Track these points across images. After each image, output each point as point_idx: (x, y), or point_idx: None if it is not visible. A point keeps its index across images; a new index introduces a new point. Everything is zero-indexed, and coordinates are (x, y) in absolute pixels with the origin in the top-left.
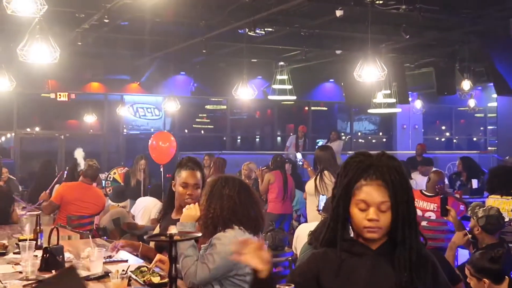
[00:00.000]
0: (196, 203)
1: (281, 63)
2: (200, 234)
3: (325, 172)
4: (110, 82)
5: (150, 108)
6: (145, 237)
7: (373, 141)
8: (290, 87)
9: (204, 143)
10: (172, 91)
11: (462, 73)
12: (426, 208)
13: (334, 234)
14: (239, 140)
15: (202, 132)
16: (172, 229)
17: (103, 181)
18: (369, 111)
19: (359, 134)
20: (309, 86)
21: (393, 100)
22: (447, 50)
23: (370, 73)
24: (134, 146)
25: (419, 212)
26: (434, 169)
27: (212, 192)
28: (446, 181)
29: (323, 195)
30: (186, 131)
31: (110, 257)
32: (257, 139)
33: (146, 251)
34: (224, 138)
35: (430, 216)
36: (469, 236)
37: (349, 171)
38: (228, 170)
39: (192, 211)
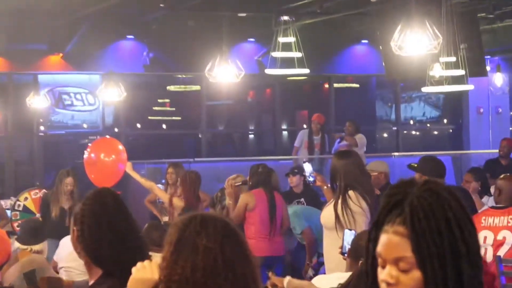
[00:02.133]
0: (154, 260)
1: (285, 17)
2: None
3: (350, 192)
4: (16, 55)
5: (80, 94)
6: None
7: (433, 133)
8: (299, 54)
9: (167, 146)
10: (113, 66)
11: None
12: (498, 225)
13: None
14: (221, 140)
15: (164, 127)
16: None
17: (8, 212)
18: (425, 89)
19: (411, 123)
20: (329, 53)
21: (461, 72)
22: None
23: (416, 42)
24: (56, 155)
25: (489, 236)
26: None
27: (181, 241)
28: None
29: (349, 229)
30: (138, 126)
31: None
32: (251, 136)
33: None
34: (200, 136)
35: (505, 238)
36: None
37: (379, 210)
38: (206, 187)
39: (144, 272)
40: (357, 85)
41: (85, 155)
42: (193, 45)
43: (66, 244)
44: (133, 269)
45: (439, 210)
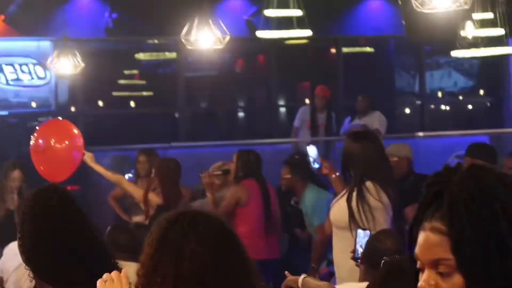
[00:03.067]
0: (123, 271)
1: None
2: None
3: (367, 183)
4: None
5: (27, 65)
6: None
7: (466, 108)
8: (299, 12)
9: (137, 128)
10: (67, 30)
11: None
12: None
13: None
14: (204, 120)
15: (132, 105)
16: None
17: None
18: (455, 53)
19: (438, 96)
20: (336, 9)
21: (500, 32)
22: None
23: None
24: (1, 142)
25: None
26: None
27: (163, 243)
28: None
29: (363, 229)
30: (100, 104)
31: None
32: (240, 115)
33: None
34: (177, 116)
35: None
36: None
37: (418, 204)
38: (186, 179)
39: (112, 287)
40: (371, 50)
41: (32, 142)
42: (167, 3)
43: (12, 252)
44: (99, 283)
45: (484, 201)
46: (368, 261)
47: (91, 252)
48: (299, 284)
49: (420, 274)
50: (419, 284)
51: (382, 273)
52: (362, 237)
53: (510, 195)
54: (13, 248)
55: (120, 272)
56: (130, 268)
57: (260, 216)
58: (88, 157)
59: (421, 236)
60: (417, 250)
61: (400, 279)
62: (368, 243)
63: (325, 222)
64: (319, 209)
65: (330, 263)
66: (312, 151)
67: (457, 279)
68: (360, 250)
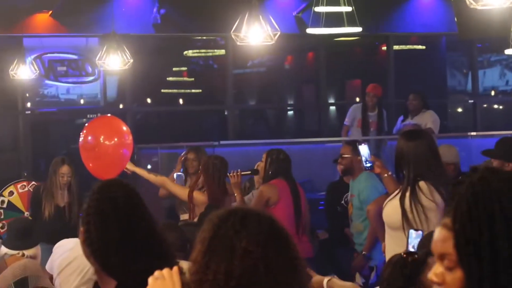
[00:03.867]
0: (174, 268)
1: None
2: None
3: (421, 183)
4: None
5: (76, 62)
6: None
7: None
8: (349, 8)
9: (185, 125)
10: (115, 26)
11: None
12: None
13: None
14: (252, 117)
15: (181, 102)
16: None
17: None
18: (508, 51)
19: (491, 94)
20: (387, 6)
21: None
22: None
23: None
24: (46, 138)
25: None
26: None
27: (215, 240)
28: None
29: (415, 229)
30: (148, 101)
31: None
32: (289, 113)
33: None
34: (226, 113)
35: None
36: None
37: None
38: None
39: (163, 284)
40: (423, 47)
41: (81, 139)
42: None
43: (61, 250)
44: (150, 279)
45: (485, 202)
46: None
47: (154, 247)
48: (324, 285)
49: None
50: (429, 275)
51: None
52: (414, 237)
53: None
54: (62, 246)
55: (171, 269)
56: (183, 265)
57: (290, 215)
58: (128, 165)
59: (436, 231)
60: (432, 243)
61: None
62: (420, 244)
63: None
64: (374, 191)
65: (368, 258)
66: (364, 150)
67: (459, 273)
68: (412, 251)
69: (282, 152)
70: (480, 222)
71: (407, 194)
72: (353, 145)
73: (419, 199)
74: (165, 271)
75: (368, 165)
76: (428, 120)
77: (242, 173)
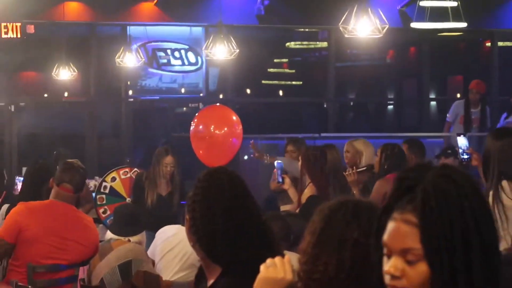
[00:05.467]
0: (286, 257)
1: None
2: None
3: (503, 182)
4: (100, 2)
5: (179, 51)
6: None
7: None
8: (454, 3)
9: (285, 117)
10: (220, 17)
11: None
12: None
13: None
14: (353, 111)
15: (281, 94)
16: None
17: (93, 195)
18: None
19: None
20: (492, 2)
21: None
22: None
23: None
24: (150, 127)
25: None
26: None
27: (326, 232)
28: None
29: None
30: (248, 91)
31: None
32: (390, 107)
33: None
34: (325, 106)
35: None
36: None
37: (389, 195)
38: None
39: (275, 271)
40: None
41: (192, 127)
42: None
43: (164, 236)
44: (262, 267)
45: (454, 198)
46: None
47: (259, 235)
48: None
49: (385, 260)
50: (386, 268)
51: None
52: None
53: (477, 195)
54: (164, 232)
55: (283, 258)
56: (292, 256)
57: None
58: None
59: (392, 226)
60: (386, 238)
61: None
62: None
63: None
64: None
65: None
66: (462, 141)
67: (423, 267)
68: None
69: (397, 146)
70: (452, 218)
71: (491, 193)
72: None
73: (501, 198)
74: (277, 259)
75: (466, 157)
76: None
77: (358, 169)
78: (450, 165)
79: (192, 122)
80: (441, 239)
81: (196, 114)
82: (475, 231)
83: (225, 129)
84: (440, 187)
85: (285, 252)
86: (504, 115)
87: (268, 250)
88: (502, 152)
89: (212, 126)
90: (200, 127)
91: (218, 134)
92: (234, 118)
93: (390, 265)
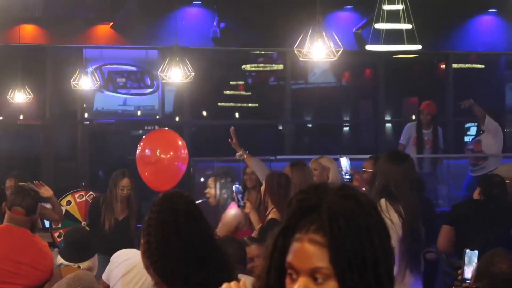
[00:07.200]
0: (242, 281)
1: None
2: None
3: (382, 201)
4: (57, 24)
5: (135, 74)
6: None
7: None
8: (409, 26)
9: (241, 139)
10: (176, 39)
11: None
12: None
13: None
14: (308, 133)
15: (237, 116)
16: None
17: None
18: None
19: None
20: (447, 24)
21: None
22: None
23: None
24: (106, 150)
25: None
26: None
27: None
28: None
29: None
30: (204, 114)
31: None
32: (345, 129)
33: None
34: (280, 128)
35: None
36: None
37: (287, 216)
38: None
39: None
40: (482, 66)
41: (138, 151)
42: (275, 14)
43: (118, 260)
44: None
45: (360, 217)
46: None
47: (214, 259)
48: None
49: (288, 280)
50: None
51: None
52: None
53: (377, 213)
54: (119, 256)
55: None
56: (248, 280)
57: None
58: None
59: (298, 246)
60: (292, 258)
61: None
62: (481, 264)
63: None
64: None
65: None
66: (344, 163)
67: (332, 284)
68: (468, 270)
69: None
70: (360, 236)
71: None
72: (375, 159)
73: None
74: (234, 284)
75: (348, 177)
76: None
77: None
78: (349, 186)
79: (138, 146)
80: (352, 257)
81: (143, 138)
82: (381, 249)
83: (170, 153)
84: (346, 206)
85: (240, 276)
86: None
87: (223, 274)
88: (399, 175)
89: (158, 150)
90: (147, 151)
91: (162, 159)
92: (180, 142)
93: (299, 285)
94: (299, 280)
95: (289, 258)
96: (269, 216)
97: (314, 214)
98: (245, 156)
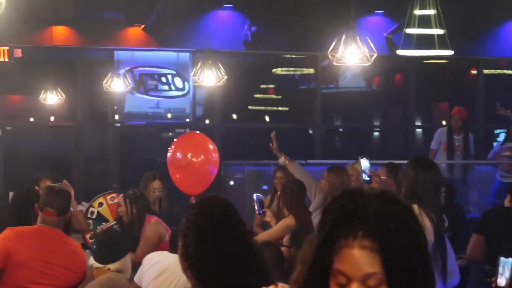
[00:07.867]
0: (280, 285)
1: None
2: None
3: (414, 206)
4: (88, 26)
5: (167, 76)
6: None
7: None
8: (441, 31)
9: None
10: (208, 42)
11: None
12: None
13: None
14: (338, 137)
15: (267, 119)
16: None
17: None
18: None
19: None
20: (478, 30)
21: None
22: None
23: None
24: (137, 152)
25: None
26: None
27: None
28: None
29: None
30: (234, 117)
31: None
32: (375, 134)
33: None
34: (310, 132)
35: None
36: None
37: (326, 223)
38: None
39: None
40: None
41: (169, 154)
42: (306, 18)
43: (151, 262)
44: None
45: (409, 221)
46: None
47: (250, 263)
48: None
49: (334, 287)
50: None
51: None
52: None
53: (416, 216)
54: (151, 258)
55: (277, 287)
56: (285, 285)
57: None
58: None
59: (347, 253)
60: (343, 266)
61: None
62: None
63: None
64: None
65: None
66: (365, 164)
67: None
68: (504, 276)
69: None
70: (411, 241)
71: None
72: (390, 167)
73: None
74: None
75: (367, 179)
76: None
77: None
78: (389, 190)
79: (169, 149)
80: (403, 261)
81: (174, 141)
82: (427, 251)
83: (201, 157)
84: (393, 211)
85: (280, 284)
86: (500, 142)
87: (259, 278)
88: (426, 181)
89: (189, 154)
90: (177, 155)
91: (193, 162)
92: (211, 146)
93: None
94: (352, 286)
95: (339, 265)
96: (286, 221)
97: (357, 220)
98: (287, 162)
